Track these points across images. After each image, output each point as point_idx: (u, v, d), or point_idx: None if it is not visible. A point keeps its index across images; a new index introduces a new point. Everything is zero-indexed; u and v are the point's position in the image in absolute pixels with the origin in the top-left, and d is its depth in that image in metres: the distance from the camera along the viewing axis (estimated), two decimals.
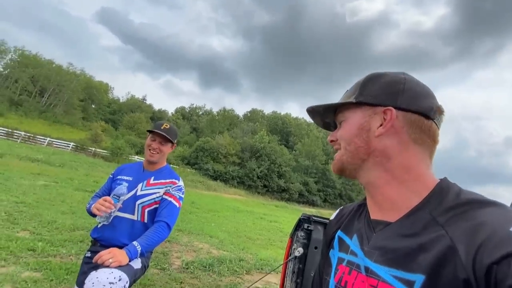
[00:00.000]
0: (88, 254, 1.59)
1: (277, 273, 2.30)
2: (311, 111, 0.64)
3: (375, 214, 0.56)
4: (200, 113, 63.32)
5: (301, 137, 50.32)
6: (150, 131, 1.71)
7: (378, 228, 0.53)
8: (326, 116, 0.65)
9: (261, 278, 2.14)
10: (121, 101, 60.22)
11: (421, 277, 0.42)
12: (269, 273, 2.09)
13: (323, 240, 0.70)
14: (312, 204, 38.39)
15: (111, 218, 1.52)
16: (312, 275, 1.59)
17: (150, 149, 1.67)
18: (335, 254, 0.62)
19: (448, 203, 0.46)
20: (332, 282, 0.58)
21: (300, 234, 1.64)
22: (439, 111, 0.54)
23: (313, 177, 41.06)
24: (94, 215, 1.55)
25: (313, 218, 1.68)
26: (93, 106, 51.87)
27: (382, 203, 0.54)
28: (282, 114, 60.24)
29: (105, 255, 1.28)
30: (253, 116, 59.15)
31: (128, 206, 1.57)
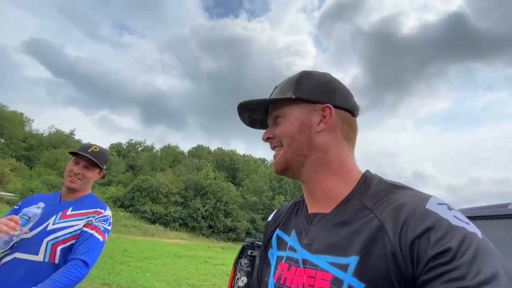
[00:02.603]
0: None
1: None
2: (244, 105, 0.63)
3: (312, 208, 0.58)
4: (140, 149, 58.50)
5: (249, 173, 50.54)
6: (73, 153, 1.48)
7: (315, 221, 0.55)
8: (255, 112, 0.65)
9: None
10: (43, 135, 51.80)
11: (355, 258, 0.44)
12: None
13: (262, 243, 0.68)
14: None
15: (10, 244, 1.19)
16: None
17: (70, 175, 1.42)
18: (273, 253, 0.60)
19: (373, 190, 0.52)
20: (271, 281, 0.55)
21: (244, 262, 1.55)
22: (358, 110, 0.61)
23: (260, 213, 40.77)
24: None
25: (257, 243, 1.63)
26: (2, 140, 43.12)
27: (320, 196, 0.56)
28: (227, 150, 60.30)
29: None
30: (199, 152, 57.44)
31: (32, 244, 1.25)
